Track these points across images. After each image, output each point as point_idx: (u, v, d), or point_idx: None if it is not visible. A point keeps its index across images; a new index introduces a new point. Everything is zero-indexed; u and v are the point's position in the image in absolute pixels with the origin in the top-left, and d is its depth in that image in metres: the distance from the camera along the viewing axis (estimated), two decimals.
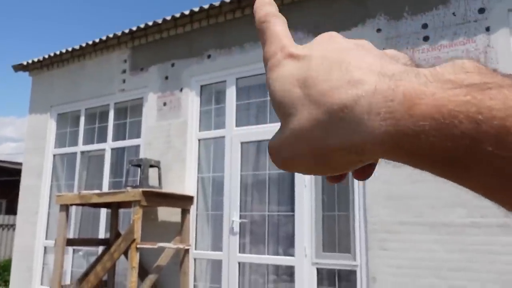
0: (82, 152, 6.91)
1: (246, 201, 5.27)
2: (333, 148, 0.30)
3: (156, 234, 5.40)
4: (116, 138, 6.64)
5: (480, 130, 0.24)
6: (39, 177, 7.13)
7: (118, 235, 5.72)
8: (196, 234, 5.42)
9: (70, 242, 5.35)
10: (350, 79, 0.29)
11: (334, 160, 0.30)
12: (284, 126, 0.32)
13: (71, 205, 5.23)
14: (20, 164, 16.85)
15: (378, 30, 4.63)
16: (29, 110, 7.64)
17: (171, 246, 4.91)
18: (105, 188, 6.39)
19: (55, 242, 5.21)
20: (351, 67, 0.30)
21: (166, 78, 6.03)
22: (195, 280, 5.38)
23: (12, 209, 18.86)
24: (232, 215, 5.12)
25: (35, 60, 7.47)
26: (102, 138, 6.78)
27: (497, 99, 0.24)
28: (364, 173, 0.34)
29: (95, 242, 5.82)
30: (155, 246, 4.71)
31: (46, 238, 6.98)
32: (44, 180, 7.11)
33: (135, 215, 4.56)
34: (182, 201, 5.14)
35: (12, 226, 13.04)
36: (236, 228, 5.09)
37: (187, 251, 5.09)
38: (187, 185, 5.46)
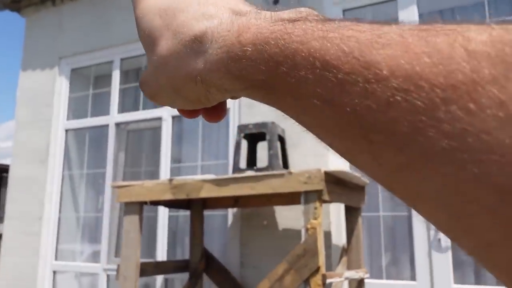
0: (118, 124, 4.47)
1: None
2: (184, 78, 0.31)
3: (273, 253, 3.16)
4: None
5: (281, 54, 0.25)
6: (43, 164, 4.61)
7: (204, 255, 3.40)
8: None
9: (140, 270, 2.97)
10: (205, 13, 0.31)
11: (187, 91, 0.32)
12: (149, 59, 0.34)
13: (151, 203, 2.85)
14: None
15: None
16: (22, 65, 5.08)
17: (354, 276, 2.65)
18: (164, 177, 4.01)
19: (118, 269, 2.82)
20: (208, 3, 0.31)
21: (276, 2, 3.77)
22: None
23: None
24: None
25: None
26: (151, 102, 4.38)
27: (299, 28, 0.25)
28: (216, 115, 0.36)
29: (171, 267, 3.42)
30: (342, 279, 2.44)
31: (56, 258, 4.48)
32: (52, 169, 4.60)
33: (314, 219, 2.29)
34: (355, 194, 2.90)
35: None
36: (446, 241, 2.94)
37: (361, 282, 2.86)
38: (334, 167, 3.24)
